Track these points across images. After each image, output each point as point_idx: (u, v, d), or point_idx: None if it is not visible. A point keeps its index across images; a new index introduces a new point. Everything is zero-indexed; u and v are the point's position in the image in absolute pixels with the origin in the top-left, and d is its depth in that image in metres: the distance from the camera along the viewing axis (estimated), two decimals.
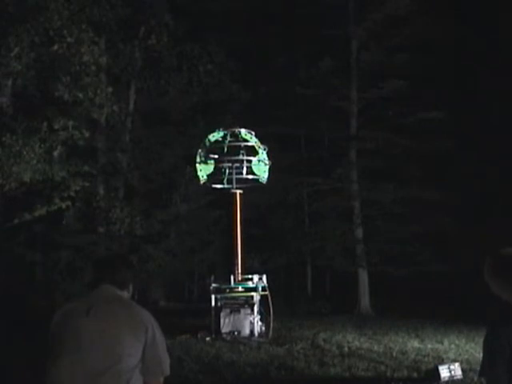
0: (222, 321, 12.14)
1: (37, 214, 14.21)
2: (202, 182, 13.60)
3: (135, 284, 3.29)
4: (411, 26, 18.66)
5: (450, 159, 19.71)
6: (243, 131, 13.49)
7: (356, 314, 18.46)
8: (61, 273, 16.48)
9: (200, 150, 13.44)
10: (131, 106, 18.68)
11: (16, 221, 14.13)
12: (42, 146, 13.23)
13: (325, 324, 14.83)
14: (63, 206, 14.67)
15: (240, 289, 12.59)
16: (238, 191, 13.32)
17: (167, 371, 2.98)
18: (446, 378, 7.97)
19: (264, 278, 12.59)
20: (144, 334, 2.87)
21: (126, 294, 3.12)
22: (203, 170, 13.38)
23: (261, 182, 13.48)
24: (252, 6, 20.35)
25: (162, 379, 2.98)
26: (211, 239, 20.63)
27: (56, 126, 13.77)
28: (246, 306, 12.27)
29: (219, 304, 12.31)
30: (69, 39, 13.07)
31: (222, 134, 13.49)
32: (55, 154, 13.66)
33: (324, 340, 11.93)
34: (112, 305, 2.95)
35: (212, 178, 13.46)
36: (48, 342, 2.90)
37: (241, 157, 13.09)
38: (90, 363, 2.78)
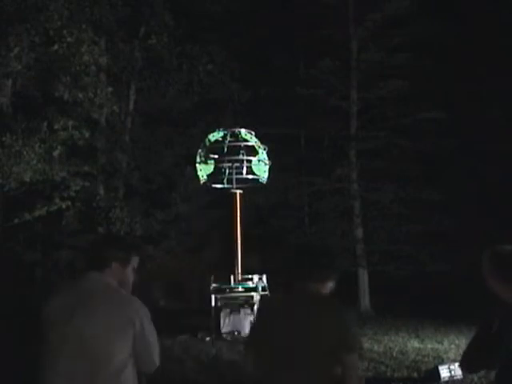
0: (221, 321, 12.14)
1: (37, 214, 14.23)
2: (202, 182, 13.60)
3: (136, 282, 3.15)
4: (411, 26, 18.66)
5: (449, 159, 19.70)
6: (243, 131, 13.49)
7: (356, 314, 18.45)
8: (61, 273, 16.47)
9: (200, 150, 13.44)
10: (131, 106, 18.68)
11: (16, 221, 14.14)
12: (42, 145, 13.24)
13: None
14: (63, 206, 14.69)
15: (240, 289, 12.58)
16: (238, 191, 13.32)
17: (157, 362, 2.96)
18: (446, 378, 7.97)
19: (264, 277, 12.58)
20: (132, 329, 2.81)
21: (109, 277, 2.96)
22: (203, 170, 13.38)
23: (261, 182, 13.48)
24: (252, 6, 20.35)
25: (153, 369, 2.97)
26: (211, 239, 20.63)
27: (56, 126, 13.79)
28: (246, 306, 12.27)
29: (219, 304, 12.31)
30: (69, 39, 13.08)
31: (221, 133, 13.49)
32: (55, 154, 13.65)
33: None
34: (97, 301, 2.85)
35: (212, 177, 13.46)
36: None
37: (241, 157, 13.09)
38: (80, 369, 2.75)
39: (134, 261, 3.04)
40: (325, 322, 2.74)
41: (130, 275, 3.05)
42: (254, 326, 3.11)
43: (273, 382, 2.73)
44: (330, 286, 2.91)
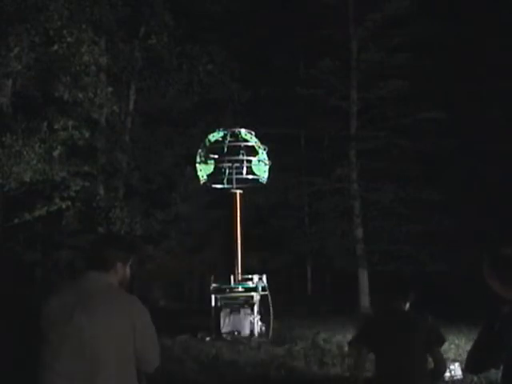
0: (221, 321, 12.14)
1: (37, 214, 14.23)
2: (202, 182, 13.60)
3: (135, 282, 3.16)
4: (411, 26, 18.68)
5: (450, 159, 19.71)
6: (243, 131, 13.49)
7: (356, 314, 18.44)
8: (61, 273, 16.49)
9: (200, 150, 13.44)
10: (131, 106, 18.69)
11: (16, 221, 14.15)
12: (42, 145, 13.25)
13: (325, 324, 14.82)
14: (63, 205, 14.69)
15: (240, 289, 12.58)
16: (238, 191, 13.32)
17: (158, 362, 2.95)
18: (446, 378, 7.96)
19: (264, 277, 12.58)
20: (132, 329, 2.80)
21: (113, 277, 2.95)
22: (203, 170, 13.38)
23: (261, 182, 13.48)
24: (252, 6, 20.36)
25: (153, 369, 2.97)
26: (211, 239, 20.64)
27: (56, 126, 13.80)
28: (246, 306, 12.26)
29: (219, 304, 12.30)
30: (69, 39, 13.09)
31: (221, 133, 13.49)
32: (55, 154, 13.66)
33: (324, 340, 11.91)
34: (96, 301, 2.82)
35: (212, 178, 13.46)
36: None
37: (241, 157, 13.08)
38: (80, 369, 2.74)
39: (132, 258, 3.08)
40: (418, 325, 4.09)
41: (128, 272, 3.07)
42: (364, 329, 4.29)
43: (394, 364, 4.00)
44: (407, 303, 4.26)
